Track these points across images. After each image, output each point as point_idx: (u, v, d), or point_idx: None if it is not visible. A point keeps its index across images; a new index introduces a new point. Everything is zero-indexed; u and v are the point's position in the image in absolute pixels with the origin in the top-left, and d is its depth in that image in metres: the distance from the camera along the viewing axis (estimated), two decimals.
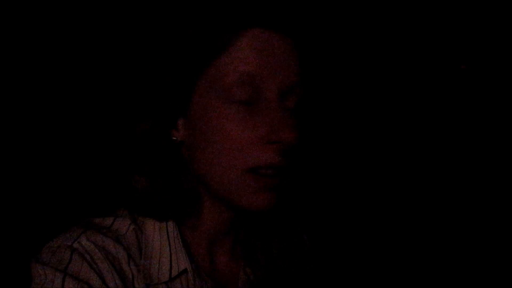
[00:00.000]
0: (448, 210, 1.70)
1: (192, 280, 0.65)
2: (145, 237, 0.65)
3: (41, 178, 1.28)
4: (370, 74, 1.76)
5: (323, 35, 1.57)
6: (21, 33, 1.29)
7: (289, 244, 0.79)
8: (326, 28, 1.59)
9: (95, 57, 1.30)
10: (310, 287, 0.77)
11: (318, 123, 0.74)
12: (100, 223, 0.64)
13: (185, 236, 0.68)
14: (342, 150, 1.68)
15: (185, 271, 0.65)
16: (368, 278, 1.62)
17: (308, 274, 0.78)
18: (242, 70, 0.59)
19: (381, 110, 1.77)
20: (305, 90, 0.64)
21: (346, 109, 1.69)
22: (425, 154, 1.76)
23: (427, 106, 1.77)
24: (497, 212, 1.65)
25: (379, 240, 1.68)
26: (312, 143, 0.69)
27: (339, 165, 1.68)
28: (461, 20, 1.73)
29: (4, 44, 1.27)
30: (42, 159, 1.28)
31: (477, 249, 1.64)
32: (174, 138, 0.64)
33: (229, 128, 0.60)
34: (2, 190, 1.24)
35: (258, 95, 0.60)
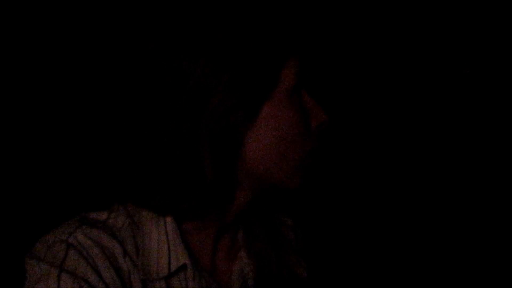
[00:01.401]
0: (451, 212, 1.69)
1: (191, 276, 0.64)
2: (142, 232, 0.64)
3: (36, 172, 1.27)
4: (372, 77, 1.75)
5: (324, 37, 1.58)
6: (34, 36, 1.29)
7: (285, 239, 0.79)
8: (327, 30, 1.59)
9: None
10: (304, 283, 0.76)
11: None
12: (95, 218, 0.63)
13: (185, 232, 0.66)
14: (346, 149, 1.68)
15: (184, 266, 0.64)
16: (366, 277, 1.61)
17: (300, 272, 0.78)
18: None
19: (384, 113, 1.76)
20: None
21: (349, 112, 1.68)
22: (429, 159, 1.75)
23: (430, 111, 1.76)
24: (499, 213, 1.64)
25: (378, 239, 1.67)
26: None
27: (341, 164, 1.67)
28: (465, 24, 1.73)
29: (4, 44, 1.27)
30: (38, 154, 1.28)
31: (477, 249, 1.63)
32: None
33: (293, 118, 0.64)
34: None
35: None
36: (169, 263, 0.63)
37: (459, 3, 1.71)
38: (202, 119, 0.59)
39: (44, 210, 1.19)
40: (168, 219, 0.65)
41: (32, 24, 1.29)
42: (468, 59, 1.76)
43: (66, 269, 0.57)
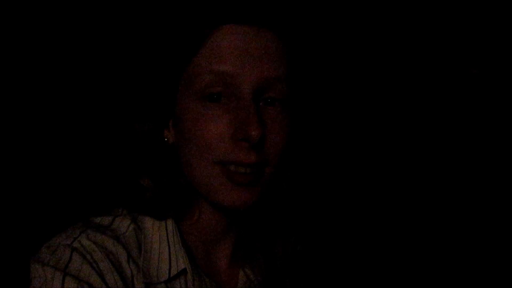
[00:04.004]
0: (452, 212, 1.69)
1: (191, 280, 0.64)
2: (144, 236, 0.65)
3: (40, 177, 1.28)
4: (378, 77, 1.75)
5: (320, 29, 1.57)
6: (18, 34, 1.30)
7: (289, 245, 0.79)
8: (326, 23, 1.58)
9: (91, 58, 1.31)
10: None
11: (315, 120, 0.73)
12: (100, 222, 0.64)
13: (185, 236, 0.67)
14: (347, 150, 1.67)
15: (184, 271, 0.64)
16: (366, 279, 1.60)
17: (307, 276, 0.78)
18: (216, 69, 0.59)
19: (389, 114, 1.76)
20: (294, 84, 0.63)
21: (352, 111, 1.68)
22: (435, 159, 1.74)
23: (436, 111, 1.75)
24: (499, 213, 1.63)
25: (377, 241, 1.67)
26: (306, 139, 0.69)
27: (343, 165, 1.66)
28: (472, 23, 1.72)
29: (4, 44, 1.28)
30: (42, 159, 1.29)
31: (477, 249, 1.62)
32: (166, 138, 0.65)
33: (202, 125, 0.60)
34: (1, 189, 1.24)
35: (232, 92, 0.60)
36: (170, 268, 0.64)
37: (466, 1, 1.70)
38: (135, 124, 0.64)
39: (49, 214, 1.20)
40: (169, 222, 0.66)
41: (20, 20, 1.29)
42: (475, 58, 1.74)
43: (70, 273, 0.58)
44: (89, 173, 1.22)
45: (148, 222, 0.66)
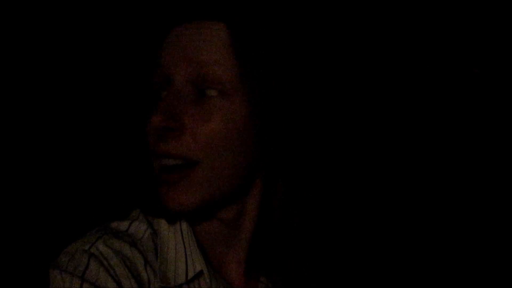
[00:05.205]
0: (453, 212, 1.69)
1: (208, 282, 0.64)
2: (161, 240, 0.65)
3: (56, 180, 1.28)
4: (379, 77, 1.75)
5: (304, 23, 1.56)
6: (19, 35, 1.29)
7: (306, 250, 0.79)
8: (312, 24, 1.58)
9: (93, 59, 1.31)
10: None
11: (307, 118, 0.69)
12: (117, 228, 0.65)
13: (199, 237, 0.67)
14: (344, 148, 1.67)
15: (201, 272, 0.65)
16: (375, 279, 1.61)
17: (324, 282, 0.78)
18: (158, 70, 0.63)
19: (389, 114, 1.76)
20: (251, 74, 0.61)
21: (350, 111, 1.68)
22: (435, 159, 1.75)
23: (437, 110, 1.76)
24: (499, 213, 1.64)
25: (380, 241, 1.67)
26: (300, 138, 0.66)
27: (345, 165, 1.67)
28: (474, 22, 1.72)
29: (4, 44, 1.27)
30: (56, 163, 1.29)
31: (477, 249, 1.63)
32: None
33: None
34: (16, 194, 1.24)
35: (167, 85, 0.63)
36: (187, 270, 0.64)
37: (467, 0, 1.70)
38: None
39: (66, 219, 1.21)
40: (184, 225, 0.66)
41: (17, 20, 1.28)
42: (477, 57, 1.75)
43: (87, 279, 0.58)
44: (105, 176, 1.22)
45: (164, 225, 0.66)
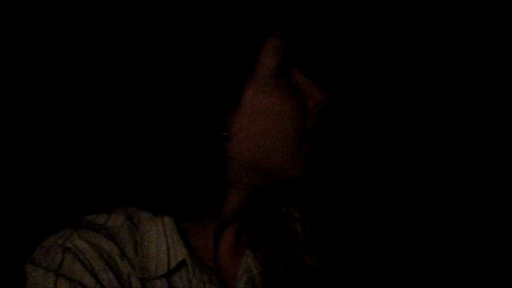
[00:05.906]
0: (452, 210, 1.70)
1: (191, 271, 0.64)
2: (141, 232, 0.64)
3: (37, 175, 1.27)
4: (365, 66, 1.75)
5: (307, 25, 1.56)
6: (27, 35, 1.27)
7: (292, 232, 0.79)
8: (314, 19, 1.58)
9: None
10: (312, 279, 0.76)
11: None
12: (93, 221, 0.64)
13: (184, 230, 0.66)
14: (351, 142, 1.68)
15: (183, 262, 0.64)
16: (375, 268, 1.62)
17: (310, 264, 0.78)
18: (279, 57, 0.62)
19: (377, 103, 1.76)
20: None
21: (341, 103, 1.68)
22: (423, 149, 1.75)
23: (423, 99, 1.76)
24: (499, 213, 1.65)
25: (380, 237, 1.68)
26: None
27: (346, 157, 1.67)
28: (459, 11, 1.72)
29: (4, 44, 1.26)
30: (39, 155, 1.27)
31: (477, 249, 1.64)
32: (225, 133, 0.60)
33: (284, 107, 0.62)
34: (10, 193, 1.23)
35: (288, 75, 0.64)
36: (168, 260, 0.63)
37: None
38: (181, 113, 0.57)
39: (44, 213, 1.19)
40: (166, 218, 0.65)
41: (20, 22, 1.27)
42: (462, 46, 1.75)
43: (62, 274, 0.58)
44: (87, 170, 1.20)
45: (145, 217, 0.65)
